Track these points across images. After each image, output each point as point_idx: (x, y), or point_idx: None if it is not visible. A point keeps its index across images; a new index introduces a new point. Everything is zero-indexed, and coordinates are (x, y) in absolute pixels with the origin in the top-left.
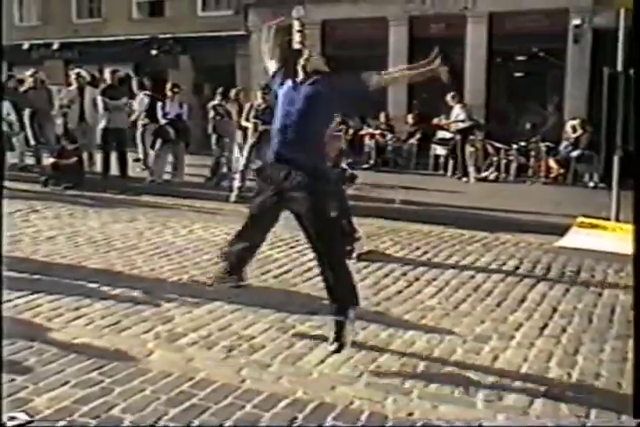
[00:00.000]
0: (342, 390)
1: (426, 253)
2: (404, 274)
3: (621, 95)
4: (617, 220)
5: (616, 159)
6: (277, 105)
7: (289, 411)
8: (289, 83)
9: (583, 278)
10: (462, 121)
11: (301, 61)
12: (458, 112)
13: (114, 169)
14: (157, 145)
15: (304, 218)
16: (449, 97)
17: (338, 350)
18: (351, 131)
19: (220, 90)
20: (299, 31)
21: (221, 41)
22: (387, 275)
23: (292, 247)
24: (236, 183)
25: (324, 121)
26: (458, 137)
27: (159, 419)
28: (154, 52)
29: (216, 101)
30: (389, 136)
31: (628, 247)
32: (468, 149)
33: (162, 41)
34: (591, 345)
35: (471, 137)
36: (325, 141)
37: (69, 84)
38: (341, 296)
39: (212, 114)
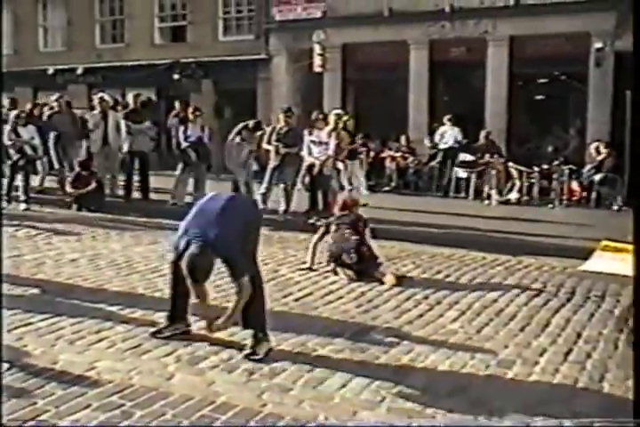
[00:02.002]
0: (364, 415)
1: (448, 276)
2: (426, 297)
3: None
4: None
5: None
6: None
7: None
8: None
9: (608, 304)
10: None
11: None
12: (446, 131)
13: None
14: (179, 168)
15: None
16: (445, 119)
17: (248, 356)
18: (372, 153)
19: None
20: (319, 55)
21: (243, 65)
22: (408, 298)
23: (312, 270)
24: (260, 204)
25: None
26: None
27: None
28: (176, 76)
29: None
30: (411, 159)
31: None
32: (490, 171)
33: (184, 65)
34: (617, 372)
35: (492, 159)
36: None
37: (93, 108)
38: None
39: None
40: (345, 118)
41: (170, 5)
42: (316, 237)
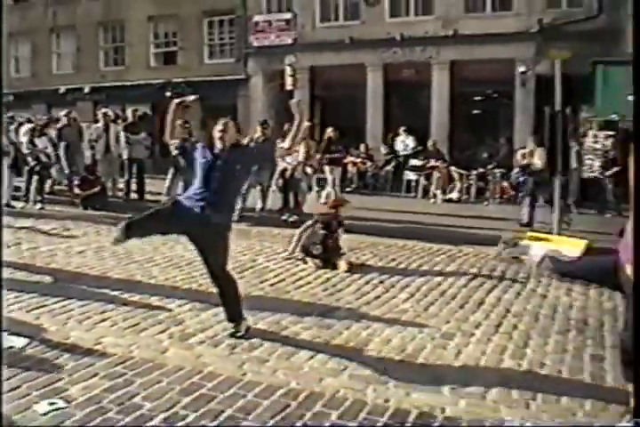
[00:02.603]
0: (329, 382)
1: (400, 263)
2: (382, 282)
3: (560, 130)
4: (559, 233)
5: (557, 183)
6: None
7: (284, 399)
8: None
9: (532, 284)
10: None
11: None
12: (404, 140)
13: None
14: (170, 173)
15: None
16: (401, 130)
17: (232, 334)
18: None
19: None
20: (290, 75)
21: (225, 84)
22: (367, 282)
23: (285, 260)
24: (237, 205)
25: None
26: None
27: (174, 406)
28: (168, 93)
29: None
30: (369, 164)
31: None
32: (436, 174)
33: (175, 84)
34: (538, 339)
35: (437, 164)
36: None
37: (97, 122)
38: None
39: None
40: (330, 130)
41: (163, 34)
42: (300, 230)
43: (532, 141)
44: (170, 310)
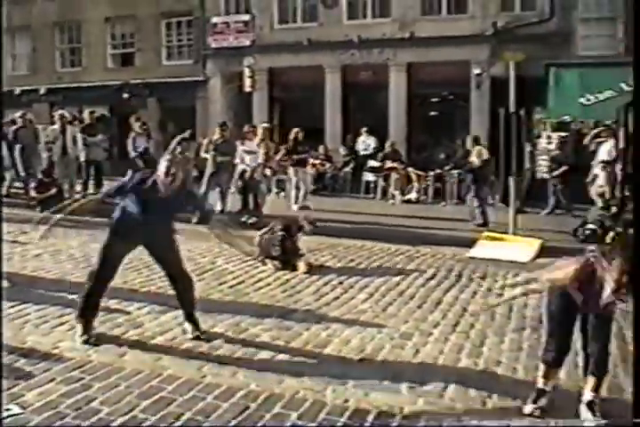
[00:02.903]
0: (289, 383)
1: (359, 264)
2: (341, 282)
3: (514, 131)
4: (514, 233)
5: (512, 183)
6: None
7: (244, 401)
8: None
9: (488, 283)
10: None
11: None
12: (365, 140)
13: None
14: (128, 174)
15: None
16: (362, 130)
17: (199, 337)
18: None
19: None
20: (249, 77)
21: (183, 86)
22: (326, 283)
23: (244, 261)
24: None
25: None
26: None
27: (132, 410)
28: (125, 95)
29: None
30: (328, 165)
31: (523, 256)
32: (394, 176)
33: (132, 86)
34: (494, 338)
35: (395, 165)
36: None
37: (53, 124)
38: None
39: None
40: (295, 131)
41: (120, 35)
42: (260, 233)
43: (470, 140)
44: (128, 313)
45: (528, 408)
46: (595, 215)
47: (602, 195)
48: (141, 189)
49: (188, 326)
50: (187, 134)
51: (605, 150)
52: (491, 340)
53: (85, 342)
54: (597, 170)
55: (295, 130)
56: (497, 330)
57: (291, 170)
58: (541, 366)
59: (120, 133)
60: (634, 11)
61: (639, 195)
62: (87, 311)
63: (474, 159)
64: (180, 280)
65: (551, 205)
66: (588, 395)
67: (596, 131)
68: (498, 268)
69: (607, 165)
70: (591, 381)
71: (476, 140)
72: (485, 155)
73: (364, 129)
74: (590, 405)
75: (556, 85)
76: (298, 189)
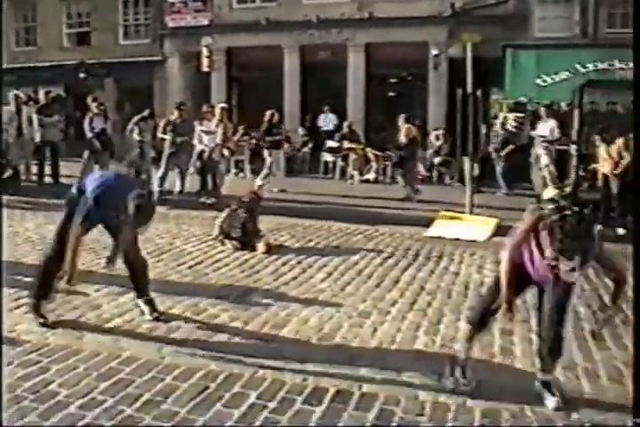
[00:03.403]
0: (249, 362)
1: (318, 244)
2: (300, 262)
3: (471, 111)
4: (471, 213)
5: (468, 163)
6: None
7: (203, 381)
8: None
9: (445, 262)
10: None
11: None
12: (327, 117)
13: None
14: (85, 155)
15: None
16: (325, 108)
17: (158, 318)
18: (254, 141)
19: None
20: (207, 57)
21: (141, 65)
22: (285, 263)
23: (203, 242)
24: (156, 188)
25: None
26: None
27: (90, 392)
28: (82, 75)
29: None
30: (287, 146)
31: (480, 235)
32: (352, 156)
33: (89, 66)
34: (451, 316)
35: (353, 146)
36: None
37: (8, 104)
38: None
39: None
40: (269, 112)
41: (76, 14)
42: (224, 215)
43: (402, 119)
44: (86, 295)
45: (449, 383)
46: (549, 195)
47: (546, 175)
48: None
49: (144, 307)
50: (146, 113)
51: (547, 129)
52: (448, 318)
53: (43, 324)
54: (540, 150)
55: (269, 112)
56: (453, 308)
57: (265, 152)
58: (465, 327)
59: (76, 114)
60: (633, 10)
61: (639, 195)
62: (41, 293)
63: (402, 137)
64: (133, 261)
65: (501, 184)
66: (542, 376)
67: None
68: (455, 247)
69: (549, 144)
70: (545, 363)
71: (407, 120)
72: (414, 133)
73: (326, 107)
74: (547, 385)
75: (512, 67)
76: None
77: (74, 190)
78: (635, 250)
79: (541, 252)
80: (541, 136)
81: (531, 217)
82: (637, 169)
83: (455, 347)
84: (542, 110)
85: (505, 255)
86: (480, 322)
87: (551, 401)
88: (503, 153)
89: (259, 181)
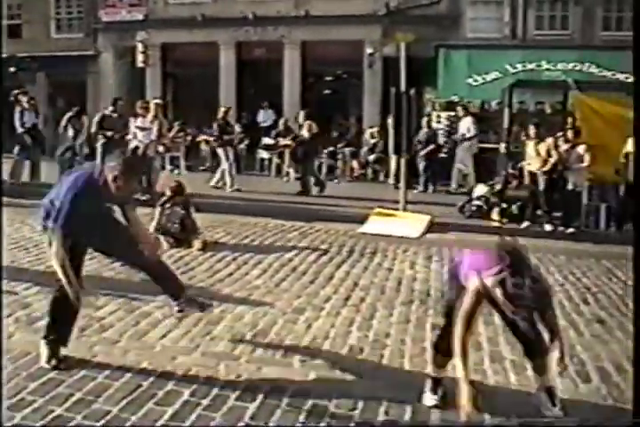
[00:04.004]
0: (181, 360)
1: (253, 240)
2: (235, 259)
3: (405, 110)
4: (404, 210)
5: (403, 161)
6: None
7: (136, 380)
8: None
9: (378, 258)
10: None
11: None
12: (266, 113)
13: None
14: (16, 151)
15: None
16: (264, 104)
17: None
18: (189, 138)
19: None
20: (142, 52)
21: (73, 60)
22: (220, 260)
23: None
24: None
25: None
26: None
27: (19, 392)
28: (12, 69)
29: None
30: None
31: (413, 231)
32: (287, 154)
33: (19, 59)
34: (383, 311)
35: (289, 142)
36: None
37: None
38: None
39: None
40: (223, 110)
41: (6, 6)
42: (157, 211)
43: (303, 115)
44: (16, 294)
45: (429, 400)
46: (480, 192)
47: (462, 170)
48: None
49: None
50: (73, 112)
51: (464, 127)
52: (380, 313)
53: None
54: (459, 148)
55: (223, 109)
56: (386, 303)
57: (220, 150)
58: (432, 353)
59: (5, 109)
60: (633, 10)
61: (639, 196)
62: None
63: (304, 133)
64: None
65: (424, 182)
66: (541, 382)
67: None
68: (388, 243)
69: (466, 140)
70: (537, 364)
71: (308, 116)
72: (315, 129)
73: (265, 103)
74: (550, 392)
75: (445, 66)
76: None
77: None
78: (635, 250)
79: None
80: (461, 134)
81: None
82: (637, 169)
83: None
84: (459, 109)
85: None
86: (448, 350)
87: (552, 411)
88: (424, 152)
89: (213, 181)
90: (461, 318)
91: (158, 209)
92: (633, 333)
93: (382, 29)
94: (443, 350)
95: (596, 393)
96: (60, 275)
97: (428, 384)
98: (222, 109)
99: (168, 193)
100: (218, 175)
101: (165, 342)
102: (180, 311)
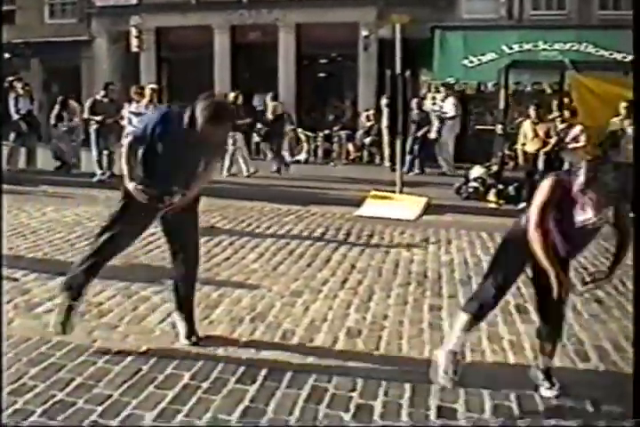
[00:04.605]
0: (180, 344)
1: (249, 225)
2: (232, 243)
3: (401, 92)
4: (401, 192)
5: (398, 143)
6: None
7: (135, 364)
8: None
9: (375, 240)
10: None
11: None
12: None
13: None
14: (11, 137)
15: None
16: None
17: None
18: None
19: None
20: (136, 37)
21: (67, 45)
22: (217, 244)
23: None
24: (98, 171)
25: None
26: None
27: (21, 377)
28: (7, 55)
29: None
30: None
31: (409, 214)
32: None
33: (13, 46)
34: (380, 293)
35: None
36: None
37: None
38: None
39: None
40: (233, 95)
41: None
42: None
43: (269, 97)
44: (15, 280)
45: (547, 392)
46: (476, 173)
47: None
48: None
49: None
50: (58, 103)
51: (447, 107)
52: (378, 295)
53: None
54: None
55: (233, 94)
56: (384, 285)
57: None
58: (463, 318)
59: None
60: (633, 9)
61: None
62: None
63: (269, 114)
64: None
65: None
66: (542, 361)
67: None
68: (385, 226)
69: (451, 119)
70: (546, 346)
71: (274, 98)
72: (279, 111)
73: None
74: (547, 373)
75: (440, 48)
76: (242, 156)
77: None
78: (635, 250)
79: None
80: (443, 113)
81: (549, 185)
82: (637, 167)
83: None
84: (442, 89)
85: (535, 234)
86: (481, 313)
87: (549, 391)
88: (419, 134)
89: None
90: (534, 214)
91: None
92: (633, 329)
93: (377, 11)
94: (545, 336)
95: (594, 372)
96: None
97: (540, 376)
98: (232, 95)
99: None
100: (227, 162)
101: (164, 326)
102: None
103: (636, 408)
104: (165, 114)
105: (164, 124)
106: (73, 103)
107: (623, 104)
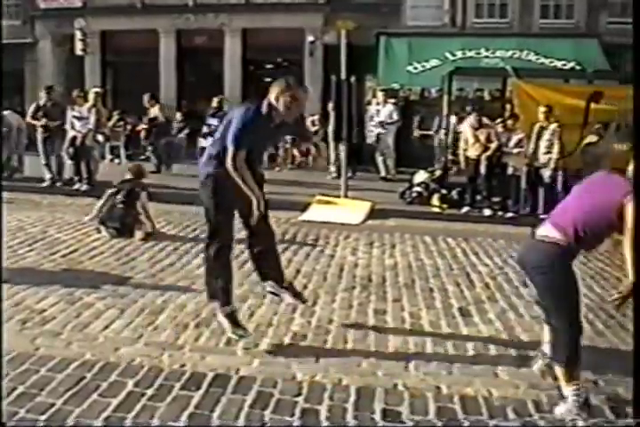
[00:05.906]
0: (125, 351)
1: (194, 230)
2: (176, 249)
3: (345, 98)
4: (346, 196)
5: (342, 148)
6: None
7: (79, 372)
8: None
9: (320, 245)
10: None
11: None
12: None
13: None
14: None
15: None
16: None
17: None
18: (129, 127)
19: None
20: (81, 40)
21: (10, 48)
22: (161, 250)
23: (77, 230)
24: (47, 175)
25: None
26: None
27: None
28: None
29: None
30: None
31: (354, 218)
32: None
33: None
34: (326, 297)
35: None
36: None
37: None
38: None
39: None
40: (216, 99)
41: None
42: (103, 199)
43: (147, 99)
44: None
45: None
46: (420, 178)
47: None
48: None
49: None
50: None
51: (386, 113)
52: (323, 299)
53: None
54: (380, 131)
55: (216, 99)
56: (329, 289)
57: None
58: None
59: None
60: (633, 10)
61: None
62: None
63: (151, 115)
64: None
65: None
66: (563, 389)
67: None
68: (330, 230)
69: (389, 126)
70: (556, 370)
71: (152, 97)
72: (161, 112)
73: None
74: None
75: (385, 54)
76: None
77: None
78: (635, 250)
79: None
80: (380, 120)
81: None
82: (637, 169)
83: None
84: (380, 95)
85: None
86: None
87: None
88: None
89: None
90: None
91: (107, 194)
92: (633, 332)
93: (323, 17)
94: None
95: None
96: (242, 185)
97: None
98: (216, 100)
99: (128, 176)
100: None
101: (108, 333)
102: (273, 294)
103: (636, 408)
104: (255, 110)
105: (256, 118)
106: (8, 117)
107: (542, 109)
